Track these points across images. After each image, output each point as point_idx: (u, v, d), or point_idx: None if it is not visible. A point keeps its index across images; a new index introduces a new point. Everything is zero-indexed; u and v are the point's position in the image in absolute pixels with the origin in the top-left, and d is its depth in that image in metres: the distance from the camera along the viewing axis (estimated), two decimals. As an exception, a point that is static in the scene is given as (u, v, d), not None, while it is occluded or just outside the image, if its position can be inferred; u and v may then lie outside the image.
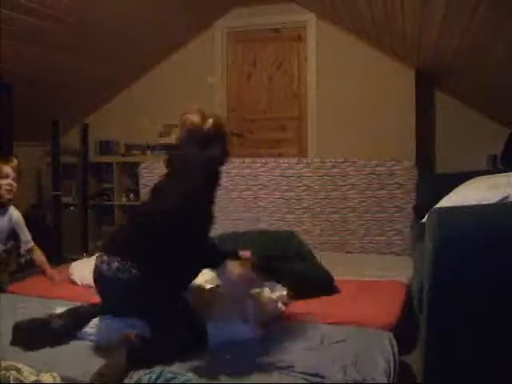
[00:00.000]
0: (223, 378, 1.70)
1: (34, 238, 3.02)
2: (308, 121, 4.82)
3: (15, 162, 2.94)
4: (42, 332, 1.99)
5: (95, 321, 2.10)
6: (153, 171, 4.10)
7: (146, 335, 1.92)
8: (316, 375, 1.69)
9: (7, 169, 2.86)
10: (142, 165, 4.29)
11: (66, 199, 4.80)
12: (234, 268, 2.15)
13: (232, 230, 3.24)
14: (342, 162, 3.79)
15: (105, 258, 2.03)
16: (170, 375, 1.62)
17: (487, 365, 1.57)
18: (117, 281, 1.97)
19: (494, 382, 1.58)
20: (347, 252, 3.75)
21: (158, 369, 1.69)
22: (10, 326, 2.01)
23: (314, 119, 4.77)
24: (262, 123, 4.98)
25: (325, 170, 3.84)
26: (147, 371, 1.68)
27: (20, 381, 1.58)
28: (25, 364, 1.68)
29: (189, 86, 4.97)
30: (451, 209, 1.74)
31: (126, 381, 1.67)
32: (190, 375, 1.66)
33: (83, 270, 2.82)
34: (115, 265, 1.97)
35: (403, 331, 2.13)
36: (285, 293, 2.39)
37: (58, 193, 4.31)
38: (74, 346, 1.99)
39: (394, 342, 1.95)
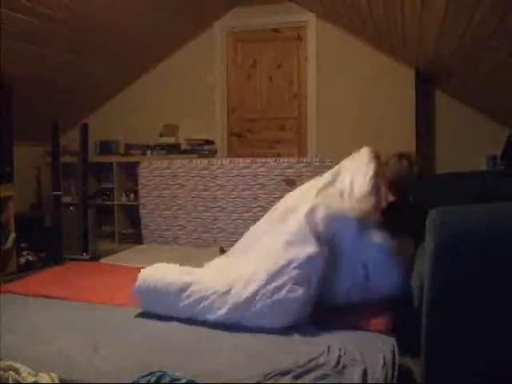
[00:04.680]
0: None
1: (34, 238, 3.00)
2: (308, 121, 4.82)
3: None
4: None
5: None
6: (152, 171, 4.09)
7: None
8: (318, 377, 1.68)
9: None
10: (141, 165, 4.28)
11: (65, 199, 4.80)
12: None
13: (232, 230, 3.22)
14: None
15: None
16: (169, 379, 1.58)
17: (488, 366, 1.57)
18: None
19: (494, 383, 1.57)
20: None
21: (157, 372, 1.65)
22: (9, 326, 2.00)
23: (314, 119, 4.77)
24: (262, 123, 4.98)
25: (325, 170, 3.82)
26: (146, 373, 1.64)
27: (18, 381, 1.57)
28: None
29: (189, 86, 4.98)
30: (451, 209, 1.74)
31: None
32: (192, 379, 1.61)
33: None
34: None
35: (404, 333, 2.12)
36: None
37: (58, 193, 4.30)
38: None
39: (394, 344, 1.95)
